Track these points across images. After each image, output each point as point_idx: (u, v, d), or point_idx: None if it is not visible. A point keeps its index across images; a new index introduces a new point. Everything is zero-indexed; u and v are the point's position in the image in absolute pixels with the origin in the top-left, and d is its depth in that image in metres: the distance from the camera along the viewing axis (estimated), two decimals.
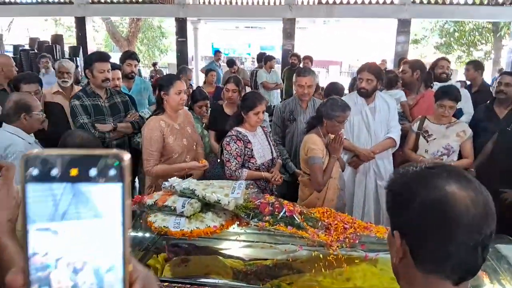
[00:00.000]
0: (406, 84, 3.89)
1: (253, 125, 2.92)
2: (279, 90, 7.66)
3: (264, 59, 7.65)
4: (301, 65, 7.38)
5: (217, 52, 9.74)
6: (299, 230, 2.05)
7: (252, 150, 2.87)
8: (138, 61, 4.26)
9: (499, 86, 3.47)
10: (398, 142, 3.28)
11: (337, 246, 2.05)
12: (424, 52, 17.85)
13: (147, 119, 3.05)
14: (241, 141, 2.84)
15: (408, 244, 0.77)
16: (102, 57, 3.29)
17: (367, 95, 3.26)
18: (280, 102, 5.23)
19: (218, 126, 3.51)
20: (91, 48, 12.12)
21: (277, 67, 9.38)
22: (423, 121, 3.24)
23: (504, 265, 2.03)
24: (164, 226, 2.00)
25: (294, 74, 3.59)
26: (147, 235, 2.30)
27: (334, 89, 4.29)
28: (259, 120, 2.89)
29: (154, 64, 12.72)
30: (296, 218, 2.09)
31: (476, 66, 4.67)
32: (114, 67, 3.74)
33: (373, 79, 3.22)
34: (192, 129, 3.08)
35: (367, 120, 3.25)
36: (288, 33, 11.43)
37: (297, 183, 3.09)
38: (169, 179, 2.18)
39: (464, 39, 16.89)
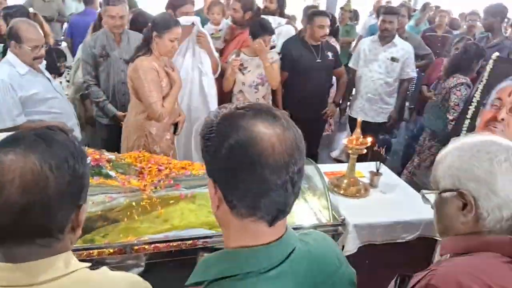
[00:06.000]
0: (235, 23, 3.72)
1: None
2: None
3: None
4: None
5: None
6: (107, 179, 1.90)
7: None
8: None
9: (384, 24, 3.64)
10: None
11: (151, 190, 1.99)
12: None
13: None
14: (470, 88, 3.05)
15: (221, 190, 0.74)
16: None
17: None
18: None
19: None
20: None
21: None
22: (238, 54, 3.26)
23: (305, 184, 2.28)
24: None
25: (103, 5, 3.17)
26: None
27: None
28: None
29: None
30: (104, 167, 1.93)
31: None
32: None
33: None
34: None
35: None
36: None
37: (120, 127, 2.86)
38: None
39: None
